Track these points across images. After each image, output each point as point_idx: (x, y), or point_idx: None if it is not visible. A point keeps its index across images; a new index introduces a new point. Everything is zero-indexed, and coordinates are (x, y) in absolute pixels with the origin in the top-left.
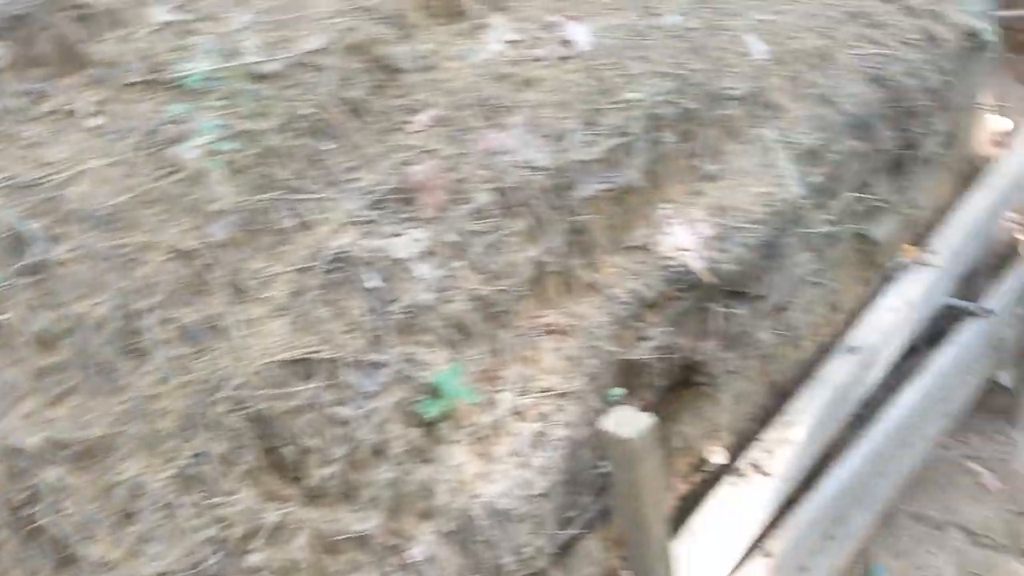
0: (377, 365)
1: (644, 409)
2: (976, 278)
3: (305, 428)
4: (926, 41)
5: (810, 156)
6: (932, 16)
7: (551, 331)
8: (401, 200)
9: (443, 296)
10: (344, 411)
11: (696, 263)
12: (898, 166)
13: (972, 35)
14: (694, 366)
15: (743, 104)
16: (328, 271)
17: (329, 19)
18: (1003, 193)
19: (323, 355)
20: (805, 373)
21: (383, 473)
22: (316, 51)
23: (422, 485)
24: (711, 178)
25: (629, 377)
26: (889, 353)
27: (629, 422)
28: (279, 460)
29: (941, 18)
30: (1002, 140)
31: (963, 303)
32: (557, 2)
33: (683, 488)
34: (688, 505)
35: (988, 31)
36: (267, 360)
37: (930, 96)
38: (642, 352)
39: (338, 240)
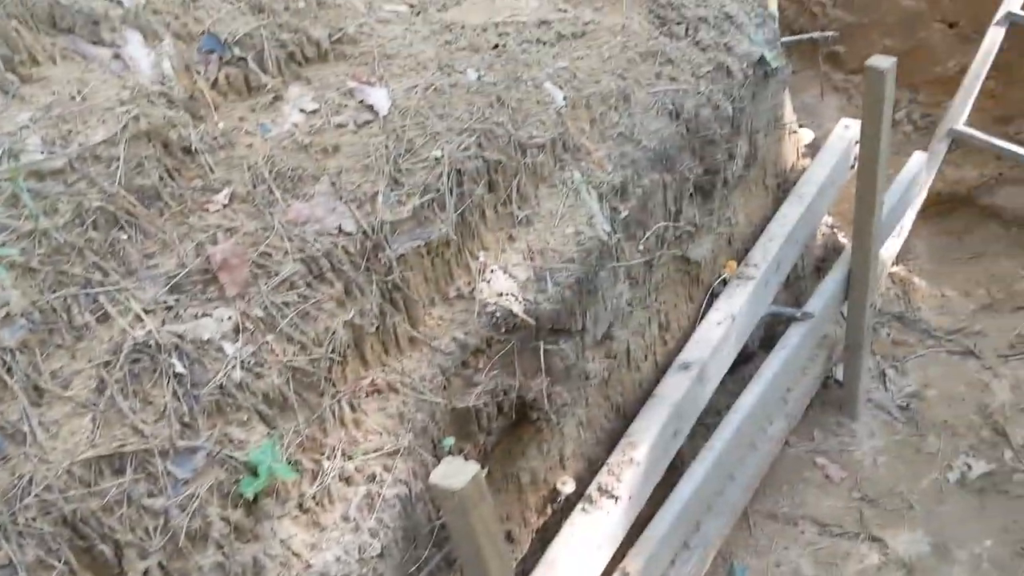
0: (190, 450)
1: (484, 452)
2: (802, 282)
3: (119, 523)
4: (718, 73)
5: (617, 192)
6: (722, 49)
7: (374, 391)
8: (204, 281)
9: (254, 372)
10: (159, 501)
11: (516, 306)
12: (706, 190)
13: (761, 62)
14: (529, 404)
15: (548, 150)
16: (132, 361)
17: (116, 108)
18: (812, 201)
19: (132, 447)
20: (645, 393)
21: (208, 557)
22: (103, 142)
23: (251, 563)
24: (523, 223)
25: (463, 424)
26: (720, 365)
27: (457, 472)
28: (97, 559)
29: (730, 50)
30: (808, 151)
31: (783, 309)
32: (356, 68)
33: (539, 522)
34: (548, 537)
35: (775, 56)
36: (74, 460)
37: (727, 123)
38: (473, 398)
39: (140, 329)
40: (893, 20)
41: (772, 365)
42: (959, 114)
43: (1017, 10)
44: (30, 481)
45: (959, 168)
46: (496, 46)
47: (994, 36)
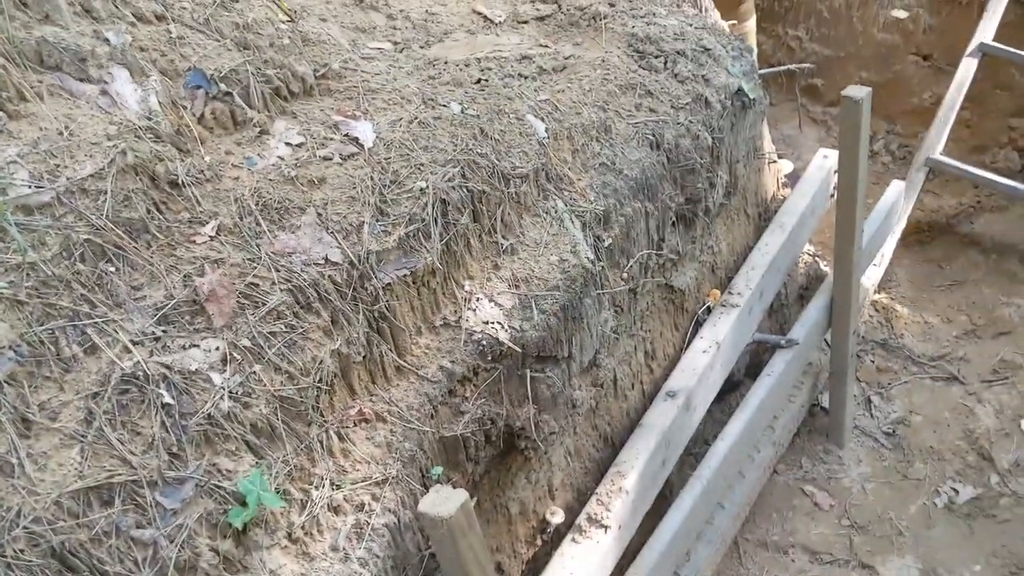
0: (179, 481)
1: (473, 482)
2: (786, 310)
3: (108, 555)
4: (697, 104)
5: (600, 221)
6: (700, 81)
7: (362, 420)
8: (191, 312)
9: (242, 402)
10: (148, 532)
11: (502, 334)
12: (688, 219)
13: (739, 93)
14: (516, 432)
15: (531, 180)
16: (120, 392)
17: (103, 143)
18: (793, 230)
19: (121, 478)
20: (633, 422)
21: None
22: (91, 176)
23: None
24: (508, 252)
25: (452, 453)
26: (706, 393)
27: (446, 500)
28: None
29: (708, 82)
30: (788, 181)
31: (768, 337)
32: (341, 103)
33: (529, 553)
34: (539, 568)
35: (753, 88)
36: (62, 491)
37: (706, 152)
38: (461, 427)
39: (128, 360)
40: (869, 53)
41: (758, 392)
42: (935, 143)
43: (989, 42)
44: (18, 513)
45: (938, 197)
46: (479, 80)
47: (967, 67)
